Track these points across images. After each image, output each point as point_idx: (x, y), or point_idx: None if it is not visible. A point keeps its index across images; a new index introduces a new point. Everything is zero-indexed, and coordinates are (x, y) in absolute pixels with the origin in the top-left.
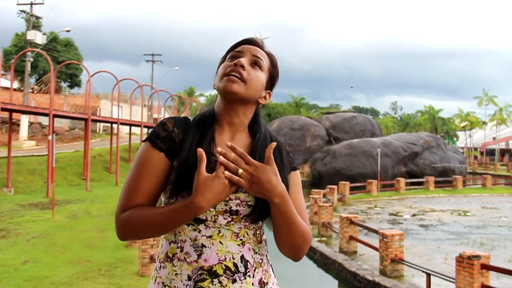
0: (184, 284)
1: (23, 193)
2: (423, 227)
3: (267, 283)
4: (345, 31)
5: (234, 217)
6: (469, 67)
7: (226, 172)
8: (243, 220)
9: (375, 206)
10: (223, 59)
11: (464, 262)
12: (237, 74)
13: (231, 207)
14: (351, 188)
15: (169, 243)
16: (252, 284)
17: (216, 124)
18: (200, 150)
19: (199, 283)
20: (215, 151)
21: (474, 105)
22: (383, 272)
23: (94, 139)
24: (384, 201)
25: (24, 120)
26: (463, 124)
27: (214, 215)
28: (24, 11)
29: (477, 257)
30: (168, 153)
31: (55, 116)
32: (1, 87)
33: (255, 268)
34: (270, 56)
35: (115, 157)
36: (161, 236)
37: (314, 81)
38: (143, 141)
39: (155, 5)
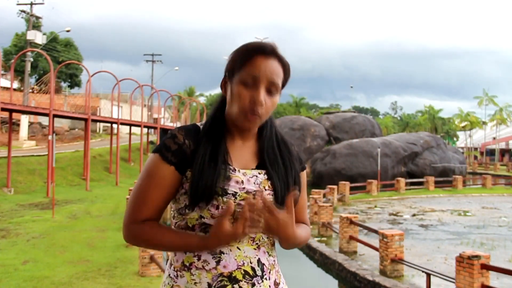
0: None
1: (23, 193)
2: (423, 227)
3: (279, 283)
4: (344, 30)
5: None
6: (469, 67)
7: (247, 230)
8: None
9: (375, 206)
10: (231, 68)
11: (464, 262)
12: (256, 114)
13: None
14: (351, 188)
15: (184, 252)
16: (269, 286)
17: (226, 133)
18: (231, 204)
19: None
20: (245, 201)
21: (474, 105)
22: (383, 272)
23: (94, 139)
24: (384, 201)
25: (24, 120)
26: (463, 124)
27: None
28: (24, 11)
29: (477, 257)
30: (179, 166)
31: (55, 116)
32: (1, 87)
33: (270, 270)
34: (284, 65)
35: (115, 157)
36: None
37: (314, 81)
38: (153, 151)
39: (155, 5)
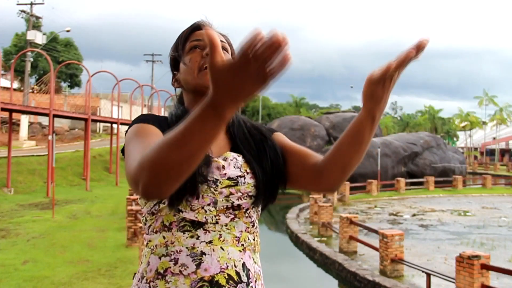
0: None
1: (23, 193)
2: (423, 227)
3: None
4: (344, 30)
5: (237, 212)
6: (469, 67)
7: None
8: (245, 216)
9: (375, 206)
10: (176, 51)
11: (464, 262)
12: None
13: (233, 202)
14: (351, 188)
15: (159, 258)
16: None
17: None
18: (208, 32)
19: None
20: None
21: (474, 105)
22: (383, 272)
23: (94, 139)
24: (384, 201)
25: (24, 120)
26: (463, 124)
27: (216, 215)
28: (24, 11)
29: (477, 257)
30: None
31: (55, 116)
32: (1, 87)
33: (256, 279)
34: (225, 37)
35: (115, 157)
36: (146, 252)
37: (314, 81)
38: (129, 126)
39: (155, 5)
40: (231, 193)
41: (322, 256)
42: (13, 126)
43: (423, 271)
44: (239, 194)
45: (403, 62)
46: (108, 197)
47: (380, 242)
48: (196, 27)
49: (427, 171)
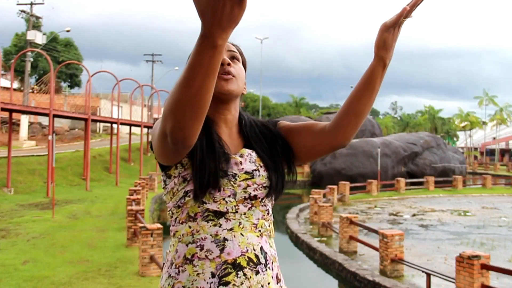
0: (207, 283)
1: (23, 193)
2: (423, 227)
3: (280, 279)
4: (344, 30)
5: (253, 202)
6: (469, 67)
7: None
8: (261, 205)
9: (375, 206)
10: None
11: (464, 262)
12: (228, 72)
13: (250, 193)
14: (351, 188)
15: (186, 245)
16: (272, 277)
17: (212, 123)
18: None
19: (224, 278)
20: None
21: (474, 105)
22: (383, 272)
23: (94, 139)
24: (384, 201)
25: (24, 120)
26: (463, 124)
27: (235, 205)
28: (24, 11)
29: (477, 257)
30: None
31: (55, 116)
32: (1, 87)
33: (272, 261)
34: (236, 46)
35: (115, 157)
36: (174, 242)
37: (314, 81)
38: (153, 128)
39: (155, 5)
40: (248, 185)
41: (322, 256)
42: (13, 126)
43: (423, 271)
44: (255, 185)
45: (414, 5)
46: (108, 197)
47: (380, 242)
48: None
49: (427, 171)
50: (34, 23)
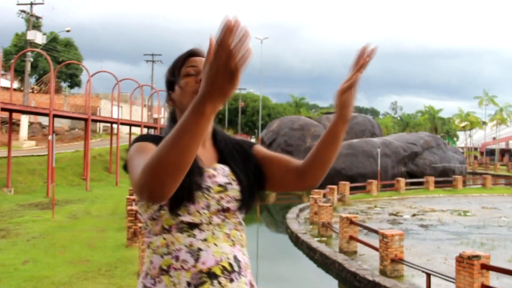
0: None
1: (23, 193)
2: (423, 227)
3: (253, 285)
4: (344, 30)
5: (226, 214)
6: (469, 67)
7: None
8: (234, 217)
9: (375, 206)
10: (173, 74)
11: (464, 262)
12: None
13: (223, 205)
14: (351, 188)
15: (161, 256)
16: (246, 283)
17: None
18: (210, 37)
19: (199, 287)
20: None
21: (474, 105)
22: (383, 272)
23: (94, 139)
24: (384, 201)
25: (24, 120)
26: (463, 124)
27: (209, 217)
28: (24, 11)
29: (477, 257)
30: None
31: (55, 116)
32: (1, 87)
33: (246, 269)
34: None
35: (115, 157)
36: (149, 253)
37: (314, 81)
38: (131, 144)
39: (155, 5)
40: (221, 198)
41: (322, 256)
42: (13, 126)
43: (423, 271)
44: (228, 198)
45: (361, 67)
46: (108, 197)
47: (380, 242)
48: (191, 53)
49: (427, 171)
50: (34, 23)
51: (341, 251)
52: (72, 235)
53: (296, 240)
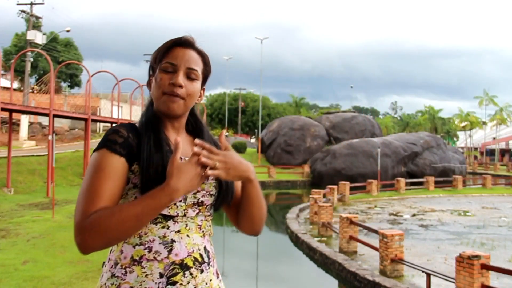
0: (156, 283)
1: (23, 193)
2: (423, 227)
3: (219, 274)
4: (344, 30)
5: (201, 207)
6: (469, 67)
7: (204, 159)
8: (206, 210)
9: (375, 206)
10: (153, 63)
11: (464, 262)
12: (176, 95)
13: (199, 198)
14: (351, 188)
15: (133, 247)
16: (213, 273)
17: (162, 127)
18: (177, 139)
19: (172, 278)
20: (195, 142)
21: (474, 105)
22: (383, 272)
23: (94, 139)
24: (384, 201)
25: (24, 120)
26: (463, 124)
27: (184, 209)
28: (24, 11)
29: (477, 257)
30: (128, 158)
31: (55, 116)
32: (1, 87)
33: (213, 258)
34: (202, 56)
35: None
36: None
37: (314, 81)
38: (96, 149)
39: (155, 5)
40: (197, 191)
41: (322, 256)
42: (13, 126)
43: (423, 271)
44: (204, 192)
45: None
46: None
47: (380, 242)
48: (177, 43)
49: (427, 171)
50: (34, 23)
51: (341, 251)
52: (72, 235)
53: (296, 240)
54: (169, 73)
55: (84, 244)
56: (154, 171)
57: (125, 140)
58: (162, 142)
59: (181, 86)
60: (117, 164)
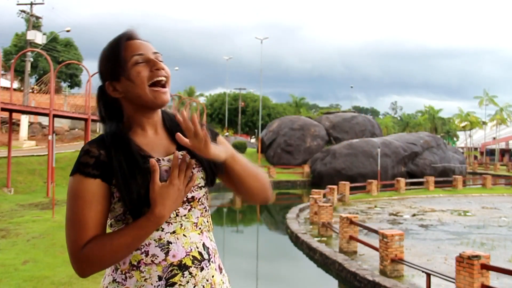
0: (155, 286)
1: (23, 193)
2: (423, 227)
3: (222, 268)
4: (344, 30)
5: (192, 203)
6: (469, 67)
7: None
8: (199, 204)
9: (375, 206)
10: (114, 62)
11: (464, 262)
12: (163, 81)
13: (187, 195)
14: (351, 188)
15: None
16: (215, 269)
17: (135, 129)
18: (153, 161)
19: (170, 280)
20: (176, 137)
21: (474, 105)
22: (383, 272)
23: None
24: (384, 201)
25: (24, 120)
26: (463, 124)
27: (175, 210)
28: (24, 11)
29: (477, 257)
30: (104, 177)
31: (55, 116)
32: (1, 87)
33: (214, 254)
34: (148, 42)
35: None
36: None
37: (315, 81)
38: (71, 174)
39: (155, 5)
40: None
41: (322, 256)
42: (13, 126)
43: (423, 271)
44: (192, 188)
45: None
46: None
47: (380, 242)
48: (130, 37)
49: (427, 171)
50: (34, 23)
51: (341, 251)
52: None
53: (296, 240)
54: (142, 63)
55: (81, 272)
56: (137, 195)
57: (96, 160)
58: (135, 157)
59: (163, 68)
60: (94, 189)
